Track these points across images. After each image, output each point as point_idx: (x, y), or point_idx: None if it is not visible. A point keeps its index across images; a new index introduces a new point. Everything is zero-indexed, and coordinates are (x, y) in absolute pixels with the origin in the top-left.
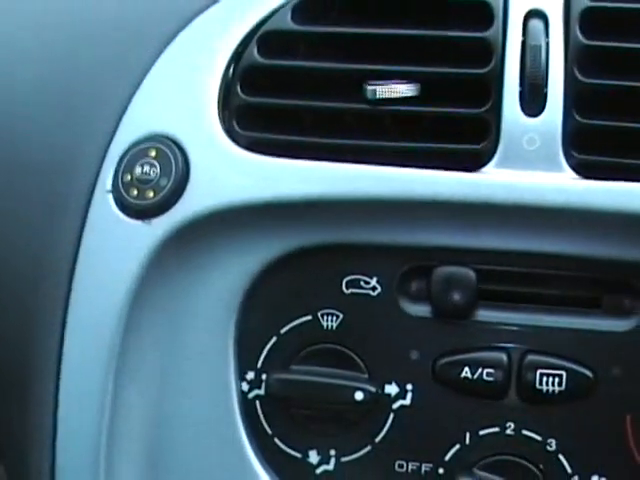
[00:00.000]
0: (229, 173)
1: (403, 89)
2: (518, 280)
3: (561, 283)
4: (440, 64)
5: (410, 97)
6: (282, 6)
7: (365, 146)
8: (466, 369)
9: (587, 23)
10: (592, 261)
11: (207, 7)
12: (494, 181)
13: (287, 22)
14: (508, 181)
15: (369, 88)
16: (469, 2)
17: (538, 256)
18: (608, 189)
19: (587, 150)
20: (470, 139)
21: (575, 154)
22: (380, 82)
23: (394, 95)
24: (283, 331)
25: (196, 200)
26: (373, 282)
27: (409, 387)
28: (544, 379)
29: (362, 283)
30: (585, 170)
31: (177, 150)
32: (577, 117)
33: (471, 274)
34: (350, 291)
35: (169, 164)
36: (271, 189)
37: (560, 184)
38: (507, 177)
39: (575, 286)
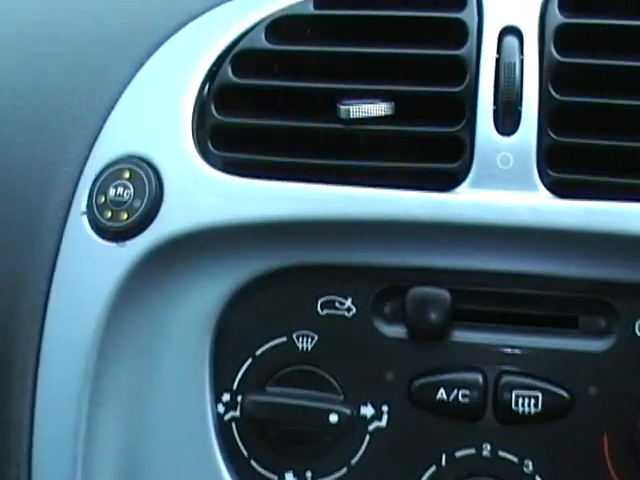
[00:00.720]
0: (203, 194)
1: (377, 108)
2: (494, 300)
3: (537, 303)
4: (415, 82)
5: (384, 116)
6: (256, 25)
7: (339, 166)
8: (442, 390)
9: (562, 40)
10: (568, 280)
11: (182, 26)
12: (468, 201)
13: (261, 41)
14: (482, 201)
15: (342, 108)
16: (443, 20)
17: (514, 276)
18: (582, 209)
19: (562, 168)
20: (444, 158)
21: (550, 173)
22: (354, 101)
23: (368, 115)
24: (258, 352)
25: (170, 222)
26: (348, 303)
27: (385, 409)
28: (520, 400)
29: (337, 304)
30: (560, 189)
31: (151, 171)
32: (551, 135)
33: (446, 294)
34: (325, 312)
35: (143, 186)
36: (245, 210)
37: (534, 204)
38: (481, 197)
39: (551, 306)
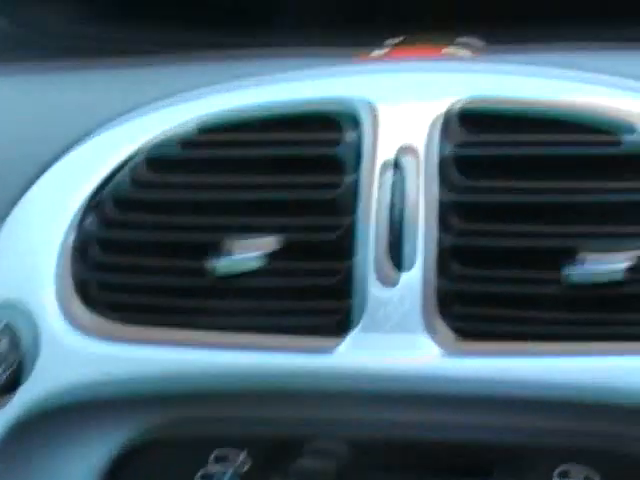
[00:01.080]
0: (68, 360)
1: (247, 263)
2: (398, 450)
3: (448, 452)
4: (290, 230)
5: (255, 270)
6: (121, 166)
7: (211, 323)
8: None
9: (452, 173)
10: (474, 428)
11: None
12: (345, 368)
13: (125, 189)
14: (362, 367)
15: (209, 266)
16: (319, 158)
17: (419, 425)
18: (477, 370)
19: (453, 319)
20: (324, 310)
21: (438, 326)
22: (224, 255)
23: (236, 270)
24: None
25: (33, 389)
26: (241, 458)
27: None
28: None
29: (229, 459)
30: (449, 342)
31: (10, 338)
32: (441, 282)
33: (343, 447)
34: (219, 467)
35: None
36: (115, 372)
37: (422, 367)
38: (360, 360)
39: (462, 456)
